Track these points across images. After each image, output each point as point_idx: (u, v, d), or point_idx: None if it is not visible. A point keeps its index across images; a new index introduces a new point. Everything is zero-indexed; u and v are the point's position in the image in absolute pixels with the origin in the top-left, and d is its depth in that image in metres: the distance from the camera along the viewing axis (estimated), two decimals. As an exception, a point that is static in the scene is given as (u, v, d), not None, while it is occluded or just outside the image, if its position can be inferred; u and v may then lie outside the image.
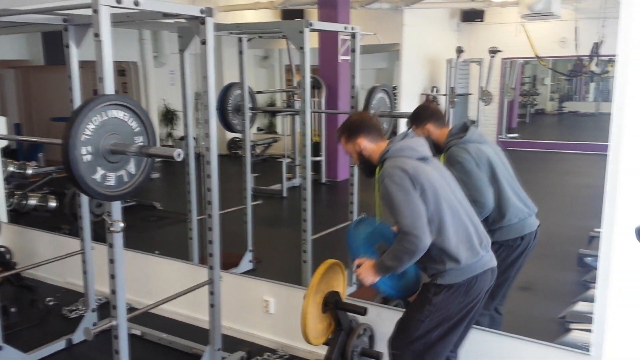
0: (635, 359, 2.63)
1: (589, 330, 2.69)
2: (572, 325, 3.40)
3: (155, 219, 6.32)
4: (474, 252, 2.36)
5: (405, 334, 2.47)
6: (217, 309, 3.14)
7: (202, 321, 3.69)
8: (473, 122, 3.96)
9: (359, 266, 2.48)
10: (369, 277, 2.43)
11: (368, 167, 2.55)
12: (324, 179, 8.11)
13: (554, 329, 3.43)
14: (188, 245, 4.26)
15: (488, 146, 2.88)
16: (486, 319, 2.96)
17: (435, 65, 9.59)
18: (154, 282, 4.13)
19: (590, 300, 2.76)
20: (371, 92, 3.54)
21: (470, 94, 10.12)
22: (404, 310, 2.66)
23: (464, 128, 2.89)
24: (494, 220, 2.82)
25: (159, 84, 10.14)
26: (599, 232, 2.60)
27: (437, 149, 2.91)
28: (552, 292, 4.14)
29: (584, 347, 2.71)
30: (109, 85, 2.26)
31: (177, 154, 2.09)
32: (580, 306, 3.65)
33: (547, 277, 4.23)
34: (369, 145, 2.51)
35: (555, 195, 6.66)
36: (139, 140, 2.30)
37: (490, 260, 2.44)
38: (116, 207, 2.39)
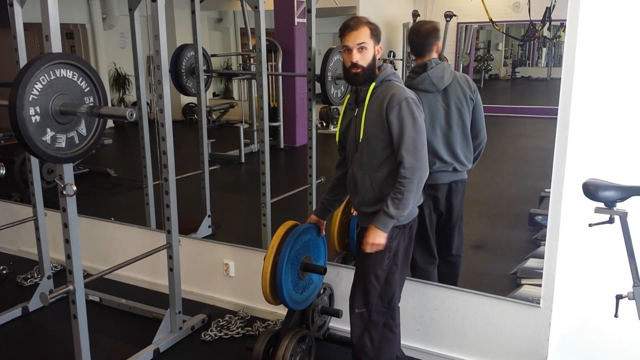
0: (581, 309, 2.76)
1: (539, 285, 2.79)
2: (524, 281, 3.52)
3: (109, 186, 6.17)
4: None
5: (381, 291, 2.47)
6: (177, 272, 3.13)
7: (162, 286, 3.67)
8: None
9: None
10: (381, 239, 2.30)
11: (359, 76, 2.30)
12: (282, 145, 8.05)
13: (506, 285, 3.55)
14: (145, 212, 4.20)
15: None
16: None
17: (391, 30, 9.55)
18: (111, 248, 4.07)
19: (541, 256, 2.85)
20: (328, 54, 3.51)
21: (426, 59, 10.16)
22: None
23: None
24: None
25: (109, 47, 9.78)
26: (549, 192, 2.69)
27: None
28: (504, 250, 4.26)
29: (534, 301, 2.83)
30: (56, 43, 2.17)
31: (130, 113, 2.03)
32: (531, 262, 3.77)
33: (499, 236, 4.35)
34: (376, 59, 2.30)
35: (508, 158, 6.80)
36: (89, 100, 2.24)
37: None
38: (68, 170, 2.33)
